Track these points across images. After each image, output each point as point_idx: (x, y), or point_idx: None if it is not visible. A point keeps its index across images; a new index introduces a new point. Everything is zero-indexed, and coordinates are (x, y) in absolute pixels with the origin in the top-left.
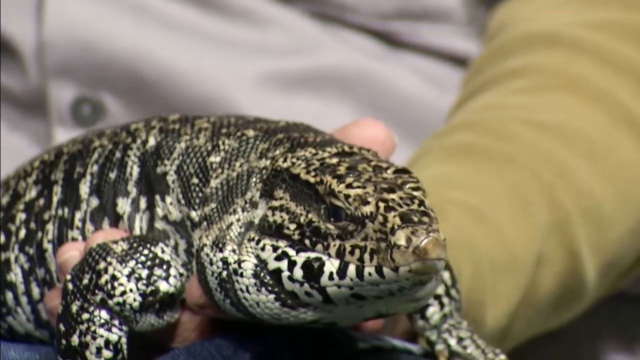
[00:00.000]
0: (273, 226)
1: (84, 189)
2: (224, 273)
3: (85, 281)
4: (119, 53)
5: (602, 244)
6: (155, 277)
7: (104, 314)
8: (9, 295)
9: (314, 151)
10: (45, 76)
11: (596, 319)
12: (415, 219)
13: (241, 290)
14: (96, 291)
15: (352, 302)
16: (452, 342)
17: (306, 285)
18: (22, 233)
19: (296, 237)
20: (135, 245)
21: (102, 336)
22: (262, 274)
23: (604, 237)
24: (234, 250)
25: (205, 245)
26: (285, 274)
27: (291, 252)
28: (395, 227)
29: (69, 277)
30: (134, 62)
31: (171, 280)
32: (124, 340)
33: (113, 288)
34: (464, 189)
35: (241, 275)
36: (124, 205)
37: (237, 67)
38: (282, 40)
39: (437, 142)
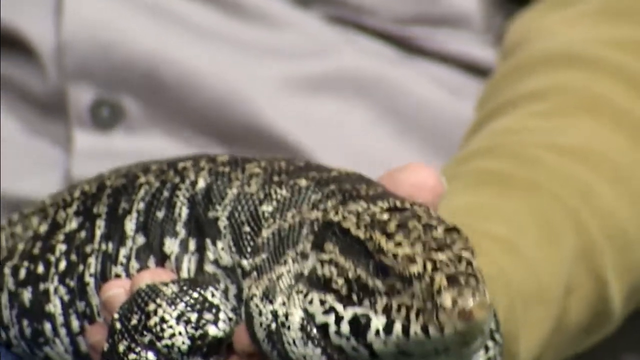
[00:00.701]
0: (322, 280)
1: (130, 225)
2: (273, 325)
3: (134, 322)
4: (137, 54)
5: (627, 267)
6: (204, 321)
7: (151, 356)
8: (48, 326)
9: (365, 205)
10: (64, 78)
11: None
12: (462, 281)
13: (288, 343)
14: (144, 332)
15: (399, 357)
16: None
17: (353, 340)
18: (63, 265)
19: (344, 292)
20: (185, 288)
21: None
22: (309, 328)
23: (628, 260)
24: (283, 303)
25: (255, 295)
26: (333, 328)
27: (339, 306)
28: (442, 288)
29: (116, 316)
30: (152, 63)
31: (220, 324)
32: None
33: (162, 330)
34: (492, 219)
35: (289, 328)
36: (171, 246)
37: (256, 69)
38: (299, 42)
39: (460, 168)
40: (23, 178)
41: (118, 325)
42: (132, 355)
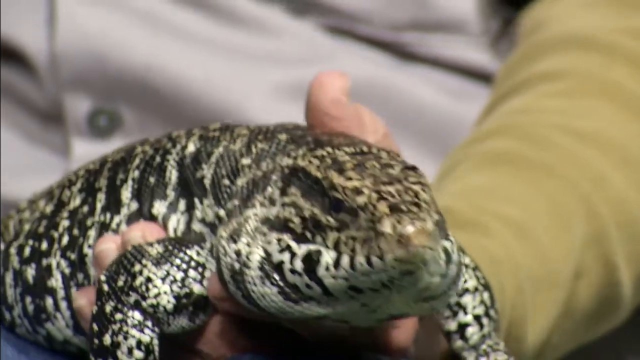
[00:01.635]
0: (282, 221)
1: (126, 194)
2: (236, 265)
3: (120, 283)
4: (132, 64)
5: (637, 254)
6: (190, 280)
7: (137, 315)
8: (49, 301)
9: (331, 150)
10: (60, 88)
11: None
12: (404, 208)
13: (249, 282)
14: (130, 293)
15: (351, 294)
16: None
17: (306, 277)
18: (65, 239)
19: (299, 230)
20: (170, 247)
21: (134, 337)
22: (267, 267)
23: (638, 247)
24: (247, 244)
25: (222, 237)
26: (287, 266)
27: (293, 244)
28: (383, 216)
29: (103, 278)
30: (147, 72)
31: (205, 282)
32: (155, 341)
33: (147, 290)
34: (504, 201)
35: (249, 267)
36: (160, 207)
37: (250, 77)
38: (294, 50)
39: (473, 148)
40: (23, 185)
41: (105, 287)
42: (118, 315)
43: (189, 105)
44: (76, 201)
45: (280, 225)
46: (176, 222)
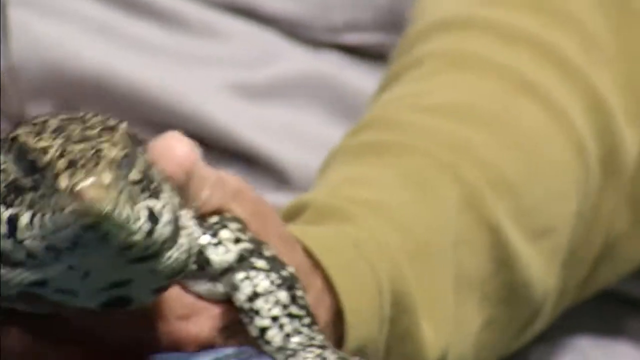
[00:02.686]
0: None
1: None
2: None
3: None
4: (86, 71)
5: (519, 211)
6: None
7: None
8: None
9: (48, 118)
10: (21, 97)
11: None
12: (80, 164)
13: None
14: None
15: (52, 255)
16: None
17: (11, 241)
18: None
19: (4, 194)
20: None
21: None
22: None
23: (519, 204)
24: None
25: None
26: None
27: (1, 209)
28: (60, 171)
29: None
30: (101, 79)
31: None
32: None
33: None
34: (362, 187)
35: None
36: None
37: (204, 79)
38: (245, 51)
39: (342, 145)
40: None
41: None
42: None
43: (143, 108)
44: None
45: None
46: None
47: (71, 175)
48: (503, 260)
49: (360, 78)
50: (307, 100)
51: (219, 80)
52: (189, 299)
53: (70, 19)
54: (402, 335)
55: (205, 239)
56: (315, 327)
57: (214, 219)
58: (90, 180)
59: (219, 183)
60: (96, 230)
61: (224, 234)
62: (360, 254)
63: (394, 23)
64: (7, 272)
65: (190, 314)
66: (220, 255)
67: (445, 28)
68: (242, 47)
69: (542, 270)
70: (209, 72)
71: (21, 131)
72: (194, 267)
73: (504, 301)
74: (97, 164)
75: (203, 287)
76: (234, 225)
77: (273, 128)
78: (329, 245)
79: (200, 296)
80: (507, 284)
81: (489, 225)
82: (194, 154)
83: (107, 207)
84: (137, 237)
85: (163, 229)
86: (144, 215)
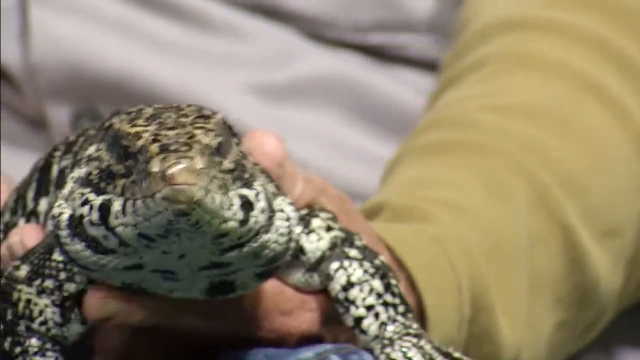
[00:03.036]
0: (86, 176)
1: (30, 195)
2: (53, 229)
3: (9, 317)
4: (107, 70)
5: (588, 210)
6: (62, 282)
7: (34, 342)
8: None
9: (142, 107)
10: (40, 97)
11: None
12: (172, 148)
13: (63, 243)
14: (19, 322)
15: (144, 243)
16: (396, 355)
17: (102, 228)
18: None
19: (96, 181)
20: (35, 261)
21: None
22: (74, 223)
23: (588, 203)
24: (60, 205)
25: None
26: (87, 219)
27: (92, 196)
28: (153, 155)
29: None
30: (121, 78)
31: (77, 277)
32: None
33: (31, 312)
34: (438, 187)
35: (59, 227)
36: (44, 204)
37: (224, 79)
38: (267, 51)
39: (407, 146)
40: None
41: (0, 326)
42: (17, 349)
43: None
44: (7, 213)
45: (86, 180)
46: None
47: (163, 160)
48: (575, 261)
49: (380, 80)
50: (327, 101)
51: (239, 80)
52: (289, 292)
53: (91, 17)
54: (480, 335)
55: (297, 229)
56: (410, 315)
57: (305, 211)
58: (182, 164)
59: (308, 179)
60: (188, 217)
61: (316, 222)
62: (441, 252)
63: (421, 24)
64: (100, 258)
65: (292, 309)
66: (314, 242)
67: (506, 29)
68: (263, 48)
69: (609, 270)
70: (230, 72)
71: (116, 119)
72: (288, 258)
73: (575, 302)
74: (190, 149)
75: (300, 278)
76: (324, 215)
77: (292, 128)
78: (411, 244)
79: (297, 288)
80: (578, 285)
81: (561, 225)
82: (283, 148)
83: (198, 193)
84: (231, 225)
85: (257, 218)
86: (237, 203)
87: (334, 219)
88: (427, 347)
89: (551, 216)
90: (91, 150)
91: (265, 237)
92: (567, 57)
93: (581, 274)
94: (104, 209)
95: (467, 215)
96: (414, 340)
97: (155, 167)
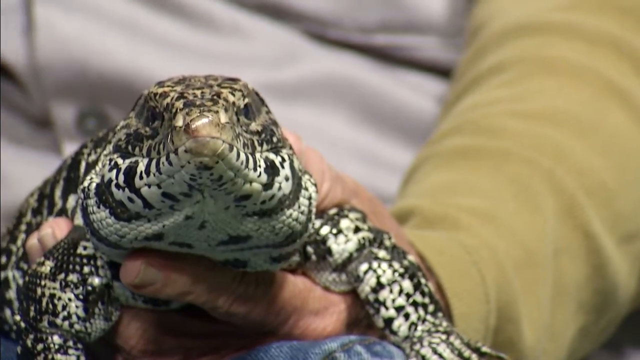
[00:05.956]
0: (116, 142)
1: (58, 193)
2: (81, 202)
3: (32, 313)
4: (113, 68)
5: (613, 217)
6: (85, 276)
7: (56, 339)
8: (8, 313)
9: (173, 77)
10: (45, 96)
11: None
12: (197, 103)
13: (90, 213)
14: (42, 317)
15: (169, 204)
16: (425, 351)
17: (127, 190)
18: (21, 251)
19: (124, 145)
20: (59, 257)
21: None
22: (101, 190)
23: (613, 210)
24: (90, 178)
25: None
26: (114, 182)
27: (120, 160)
28: (176, 111)
29: (18, 317)
30: (128, 76)
31: (101, 271)
32: (83, 359)
33: (55, 306)
34: (468, 194)
35: (89, 197)
36: (72, 201)
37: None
38: (272, 51)
39: (430, 150)
40: (19, 189)
41: (22, 324)
42: (40, 346)
43: None
44: (29, 213)
45: (115, 146)
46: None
47: (187, 114)
48: (598, 267)
49: (384, 81)
50: (332, 101)
51: (247, 79)
52: (319, 291)
53: (96, 16)
54: (505, 344)
55: (325, 229)
56: (440, 314)
57: (334, 210)
58: (206, 118)
59: (339, 179)
60: (211, 170)
61: (344, 223)
62: (471, 262)
63: (427, 26)
64: (123, 226)
65: (320, 309)
66: (341, 244)
67: (526, 32)
68: (268, 47)
69: (627, 274)
70: (235, 71)
71: (147, 89)
72: (314, 257)
73: (596, 308)
74: (214, 104)
75: (328, 277)
76: (353, 215)
77: (297, 127)
78: (442, 252)
79: (326, 288)
80: (599, 291)
81: (585, 232)
82: (300, 143)
83: (222, 146)
84: (255, 187)
85: (282, 184)
86: (262, 165)
87: (364, 218)
88: (457, 343)
89: (576, 224)
90: (121, 122)
91: (287, 211)
92: (590, 62)
93: (603, 279)
94: (131, 170)
95: (498, 225)
96: (443, 337)
97: (179, 121)
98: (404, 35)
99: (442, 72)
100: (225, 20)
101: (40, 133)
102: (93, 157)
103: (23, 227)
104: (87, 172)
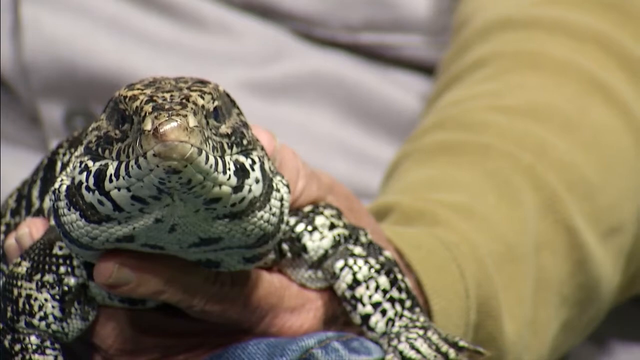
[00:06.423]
0: (86, 145)
1: (35, 193)
2: (52, 204)
3: (9, 313)
4: (101, 68)
5: (595, 212)
6: (61, 276)
7: (34, 340)
8: None
9: (144, 79)
10: (32, 95)
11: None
12: (165, 107)
13: (61, 214)
14: (19, 318)
15: (138, 207)
16: (403, 347)
17: (97, 192)
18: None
19: (94, 148)
20: (35, 257)
21: None
22: (71, 192)
23: (595, 205)
24: (61, 180)
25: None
26: (84, 184)
27: (90, 163)
28: (145, 114)
29: None
30: (116, 75)
31: (77, 271)
32: (60, 359)
33: (31, 306)
34: (447, 189)
35: (59, 199)
36: (48, 201)
37: (217, 76)
38: (259, 49)
39: (412, 146)
40: (6, 187)
41: (1, 325)
42: (17, 346)
43: None
44: (8, 214)
45: (86, 149)
46: None
47: (156, 118)
48: (580, 262)
49: (371, 79)
50: (318, 99)
51: (232, 77)
52: (295, 289)
53: (83, 15)
54: (486, 340)
55: (300, 226)
56: (417, 309)
57: (309, 208)
58: (174, 122)
59: (314, 177)
60: (180, 174)
61: (319, 220)
62: (451, 258)
63: (413, 25)
64: (93, 228)
65: (296, 306)
66: (316, 241)
67: (508, 27)
68: (255, 46)
69: (610, 268)
70: (222, 69)
71: (117, 91)
72: (289, 255)
73: (579, 302)
74: (183, 108)
75: (304, 275)
76: (328, 212)
77: (284, 125)
78: (421, 248)
79: (303, 285)
80: (582, 285)
81: (567, 227)
82: (274, 142)
83: (190, 150)
84: (224, 189)
85: (252, 186)
86: (231, 168)
87: (339, 215)
88: (434, 338)
89: (557, 219)
90: (92, 125)
91: (258, 213)
92: (573, 57)
93: (585, 273)
94: (100, 173)
95: (479, 220)
96: (421, 332)
97: (148, 125)
98: (390, 33)
99: (427, 69)
100: (212, 19)
101: (28, 132)
102: (68, 157)
103: (2, 228)
104: (62, 172)
